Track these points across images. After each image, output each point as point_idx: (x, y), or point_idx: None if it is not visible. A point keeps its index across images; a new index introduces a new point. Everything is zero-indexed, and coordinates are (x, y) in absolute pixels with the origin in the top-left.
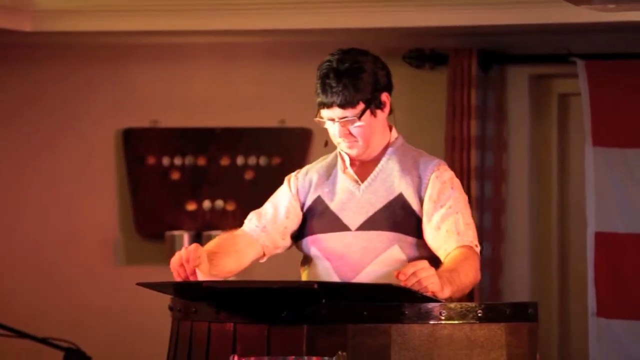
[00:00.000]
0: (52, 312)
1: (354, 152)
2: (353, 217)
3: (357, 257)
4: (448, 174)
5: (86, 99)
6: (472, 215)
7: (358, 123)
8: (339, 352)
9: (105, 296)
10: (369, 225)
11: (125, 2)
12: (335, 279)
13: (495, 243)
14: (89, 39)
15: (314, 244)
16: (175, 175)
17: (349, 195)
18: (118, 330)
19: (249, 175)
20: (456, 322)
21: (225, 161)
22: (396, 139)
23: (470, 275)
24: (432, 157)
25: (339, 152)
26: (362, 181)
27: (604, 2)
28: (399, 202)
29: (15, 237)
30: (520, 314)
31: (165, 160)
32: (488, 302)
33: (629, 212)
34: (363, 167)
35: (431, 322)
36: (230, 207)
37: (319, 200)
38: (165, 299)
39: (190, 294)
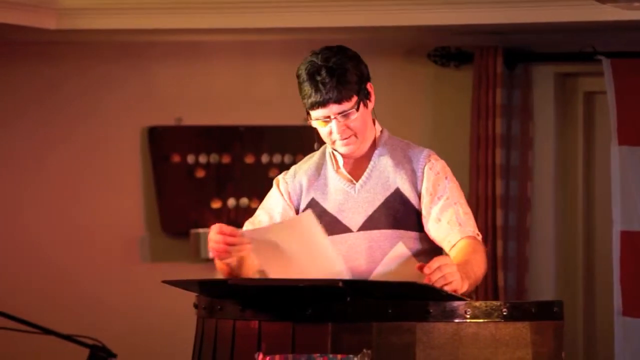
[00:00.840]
0: (78, 309)
1: (350, 149)
2: (353, 218)
3: (364, 258)
4: (440, 163)
5: (110, 96)
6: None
7: (354, 116)
8: (364, 350)
9: (131, 293)
10: (370, 224)
11: (149, 1)
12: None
13: (520, 241)
14: (113, 37)
15: None
16: (200, 173)
17: (344, 196)
18: (143, 327)
19: (273, 173)
20: (481, 320)
21: (249, 159)
22: (381, 132)
23: (481, 266)
24: (420, 148)
25: (329, 152)
26: (356, 180)
27: (629, 0)
28: (397, 198)
29: (42, 235)
30: (545, 312)
31: (190, 158)
32: (513, 300)
33: None
34: (355, 166)
35: (456, 320)
36: (255, 205)
37: (313, 203)
38: (191, 297)
39: (215, 292)
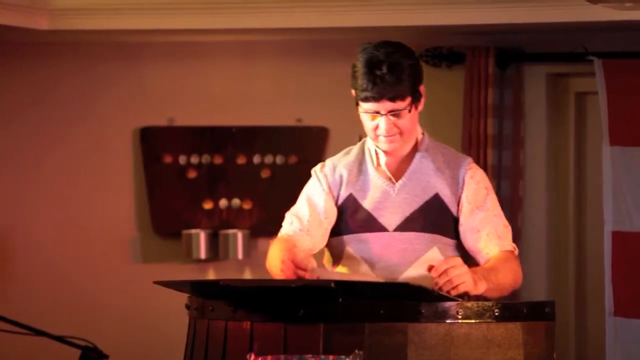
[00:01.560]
0: (69, 310)
1: (392, 146)
2: (390, 218)
3: (397, 259)
4: (480, 173)
5: (103, 97)
6: None
7: (405, 116)
8: (356, 351)
9: (122, 294)
10: (406, 226)
11: (141, 1)
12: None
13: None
14: (105, 37)
15: (349, 244)
16: (192, 174)
17: (383, 195)
18: (135, 328)
19: (265, 173)
20: (473, 321)
21: (241, 160)
22: (423, 135)
23: (509, 276)
24: (459, 155)
25: (370, 148)
26: (396, 180)
27: (621, 0)
28: (436, 203)
29: (32, 236)
30: (537, 313)
31: (182, 159)
32: (505, 301)
33: None
34: (395, 165)
35: (448, 321)
36: (247, 205)
37: (351, 198)
38: (182, 298)
39: (207, 292)
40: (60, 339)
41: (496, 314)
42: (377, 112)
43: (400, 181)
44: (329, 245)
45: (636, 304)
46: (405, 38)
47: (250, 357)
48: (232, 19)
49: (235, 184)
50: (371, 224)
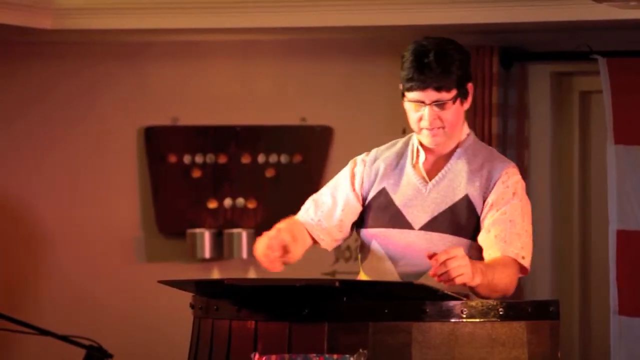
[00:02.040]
0: (74, 309)
1: (435, 140)
2: (417, 216)
3: (419, 258)
4: (514, 178)
5: (106, 96)
6: None
7: (449, 108)
8: (360, 350)
9: (127, 294)
10: (432, 225)
11: (144, 0)
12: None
13: None
14: (109, 37)
15: (375, 238)
16: (197, 173)
17: (415, 192)
18: (139, 328)
19: (270, 173)
20: (477, 320)
21: (246, 159)
22: (468, 135)
23: (504, 280)
24: (502, 160)
25: (413, 143)
26: (430, 179)
27: None
28: (464, 205)
29: (37, 235)
30: (541, 312)
31: (187, 158)
32: (509, 300)
33: None
34: (433, 164)
35: (452, 320)
36: (252, 205)
37: (383, 192)
38: (187, 297)
39: (211, 292)
40: (65, 338)
41: (500, 313)
42: (422, 102)
43: (433, 180)
44: (359, 234)
45: None
46: (407, 37)
47: (254, 356)
48: (235, 19)
49: (240, 183)
50: (399, 221)
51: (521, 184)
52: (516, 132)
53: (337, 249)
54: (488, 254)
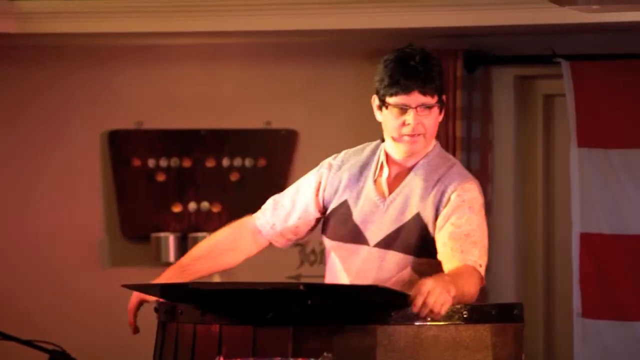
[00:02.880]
0: (37, 314)
1: (414, 148)
2: (374, 232)
3: (373, 274)
4: (471, 194)
5: (71, 100)
6: None
7: (432, 113)
8: (325, 354)
9: (91, 298)
10: (385, 243)
11: (109, 4)
12: None
13: None
14: (73, 41)
15: (334, 250)
16: (161, 177)
17: (373, 208)
18: (103, 332)
19: (234, 176)
20: (442, 323)
21: (210, 163)
22: (434, 147)
23: (472, 287)
24: (461, 175)
25: (378, 156)
26: (390, 193)
27: (588, 2)
28: (416, 223)
29: (1, 239)
30: (505, 315)
31: (151, 162)
32: (473, 303)
33: (614, 213)
34: (395, 178)
35: (417, 323)
36: (216, 208)
37: (345, 205)
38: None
39: (176, 296)
40: (28, 343)
41: (465, 316)
42: (406, 106)
43: (390, 197)
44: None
45: (604, 305)
46: (373, 40)
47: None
48: (199, 22)
49: (204, 187)
50: (356, 236)
51: (478, 201)
52: (480, 135)
53: (302, 252)
54: (447, 268)
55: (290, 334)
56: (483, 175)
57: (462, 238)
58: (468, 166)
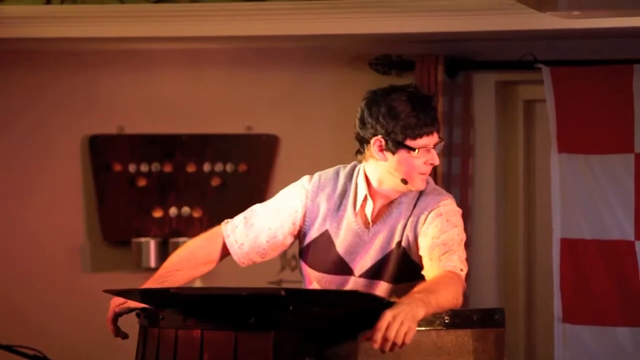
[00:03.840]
0: (18, 319)
1: (424, 184)
2: (359, 262)
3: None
4: (447, 208)
5: (51, 105)
6: None
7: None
8: (306, 359)
9: (72, 303)
10: (370, 273)
11: (89, 9)
12: None
13: None
14: (53, 46)
15: (319, 281)
16: (142, 182)
17: (356, 239)
18: (85, 337)
19: (215, 182)
20: (423, 328)
21: (191, 168)
22: None
23: (449, 298)
24: (436, 196)
25: (358, 186)
26: (373, 222)
27: (568, 9)
28: (399, 252)
29: None
30: (487, 320)
31: (132, 167)
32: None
33: (595, 219)
34: (380, 207)
35: None
36: (197, 214)
37: (325, 235)
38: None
39: (157, 301)
40: (9, 348)
41: (446, 321)
42: (427, 147)
43: (373, 227)
44: (300, 267)
45: (584, 310)
46: (354, 46)
47: None
48: (180, 27)
49: (185, 192)
50: (340, 267)
51: (455, 213)
52: (461, 140)
53: (283, 258)
54: (428, 278)
55: (272, 339)
56: (464, 180)
57: (440, 247)
58: (449, 171)
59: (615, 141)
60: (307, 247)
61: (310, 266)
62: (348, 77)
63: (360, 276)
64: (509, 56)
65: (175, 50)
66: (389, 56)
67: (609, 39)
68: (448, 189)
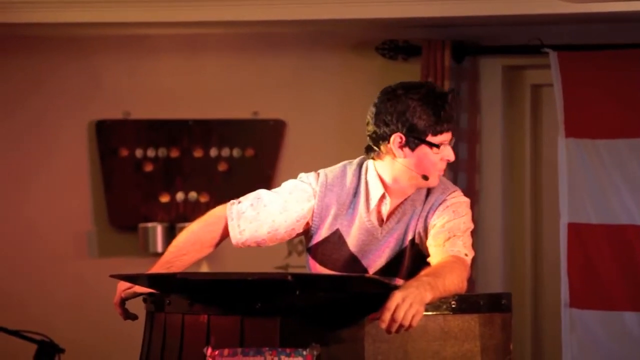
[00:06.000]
0: (25, 304)
1: (437, 181)
2: (373, 260)
3: None
4: (453, 200)
5: (57, 91)
6: None
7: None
8: (313, 344)
9: (79, 288)
10: (385, 270)
11: None
12: None
13: None
14: (60, 31)
15: None
16: (149, 167)
17: (369, 237)
18: (91, 322)
19: (222, 167)
20: (430, 313)
21: (198, 153)
22: None
23: (455, 282)
24: (444, 189)
25: (365, 185)
26: (386, 219)
27: None
28: (412, 249)
29: None
30: (493, 305)
31: (138, 152)
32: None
33: (602, 203)
34: (392, 204)
35: None
36: (204, 199)
37: (337, 234)
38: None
39: (164, 286)
40: (16, 333)
41: (453, 306)
42: (446, 143)
43: (386, 225)
44: (307, 262)
45: (591, 295)
46: (361, 30)
47: (207, 350)
48: (186, 12)
49: (192, 177)
50: (353, 266)
51: (462, 204)
52: (468, 126)
53: (290, 242)
54: (433, 264)
55: (278, 324)
56: (471, 165)
57: (445, 233)
58: (456, 156)
59: (622, 126)
60: (317, 246)
61: (321, 264)
62: (355, 62)
63: (375, 274)
64: (516, 41)
65: (182, 35)
66: (395, 41)
67: (616, 23)
68: (455, 175)
